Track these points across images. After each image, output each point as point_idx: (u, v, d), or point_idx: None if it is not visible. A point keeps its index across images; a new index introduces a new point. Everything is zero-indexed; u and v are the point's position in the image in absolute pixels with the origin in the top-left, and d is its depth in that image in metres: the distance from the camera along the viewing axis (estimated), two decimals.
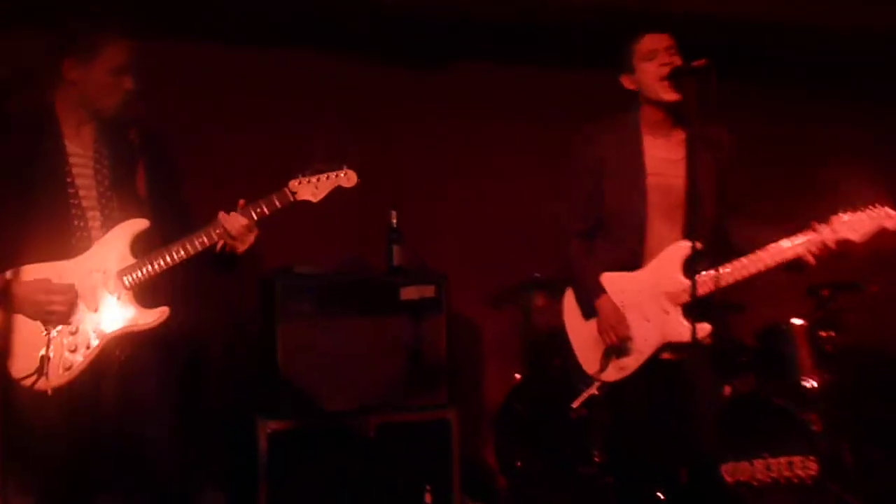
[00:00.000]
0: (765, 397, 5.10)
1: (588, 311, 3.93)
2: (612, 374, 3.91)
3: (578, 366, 3.93)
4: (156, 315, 3.39)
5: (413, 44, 5.99)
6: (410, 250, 5.49)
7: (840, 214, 3.71)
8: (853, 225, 3.67)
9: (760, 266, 3.77)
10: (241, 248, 3.41)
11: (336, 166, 3.50)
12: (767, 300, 5.12)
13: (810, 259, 3.71)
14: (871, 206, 3.67)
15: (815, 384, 5.21)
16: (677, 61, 3.76)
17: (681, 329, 3.82)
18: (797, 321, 5.38)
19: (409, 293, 5.25)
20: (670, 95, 3.77)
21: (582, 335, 3.99)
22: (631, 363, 3.87)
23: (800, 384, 5.21)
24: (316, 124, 5.66)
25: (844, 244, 3.69)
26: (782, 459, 4.89)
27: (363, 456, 5.08)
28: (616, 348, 3.87)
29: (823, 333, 5.31)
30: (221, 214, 3.41)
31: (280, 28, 5.67)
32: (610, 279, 3.96)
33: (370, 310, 5.18)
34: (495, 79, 6.28)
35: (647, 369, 3.84)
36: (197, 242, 3.43)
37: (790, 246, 3.75)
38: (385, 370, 5.17)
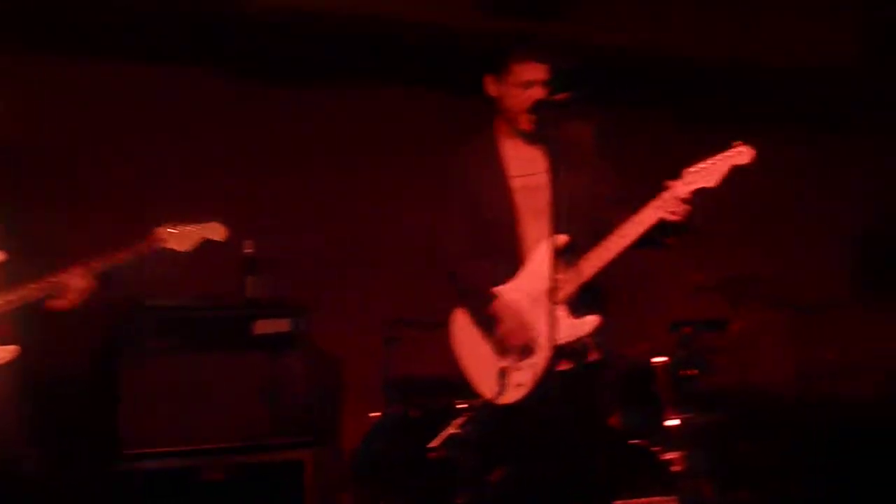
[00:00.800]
0: (625, 436, 5.06)
1: (486, 324, 3.84)
2: (511, 394, 3.82)
3: (453, 401, 4.03)
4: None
5: (281, 61, 5.93)
6: (270, 282, 5.42)
7: (691, 167, 3.68)
8: (705, 173, 3.63)
9: (623, 243, 3.72)
10: (67, 305, 3.45)
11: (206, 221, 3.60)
12: (632, 338, 5.17)
13: (672, 217, 3.66)
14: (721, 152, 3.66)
15: (677, 424, 5.15)
16: (540, 94, 3.79)
17: (569, 327, 3.76)
18: (659, 359, 5.28)
19: (262, 327, 5.16)
20: (528, 126, 3.82)
21: (476, 358, 3.91)
22: (528, 379, 3.79)
23: (661, 424, 5.15)
24: (174, 144, 5.66)
25: (700, 193, 3.67)
26: (643, 500, 4.85)
27: (213, 498, 5.00)
28: (514, 362, 3.79)
29: (686, 372, 5.25)
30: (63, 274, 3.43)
31: (140, 42, 5.65)
32: (498, 292, 3.92)
33: (223, 345, 5.11)
34: (367, 98, 6.25)
35: (543, 391, 3.76)
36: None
37: (646, 213, 3.71)
38: (238, 408, 5.08)
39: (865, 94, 6.80)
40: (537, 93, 3.74)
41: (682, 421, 5.11)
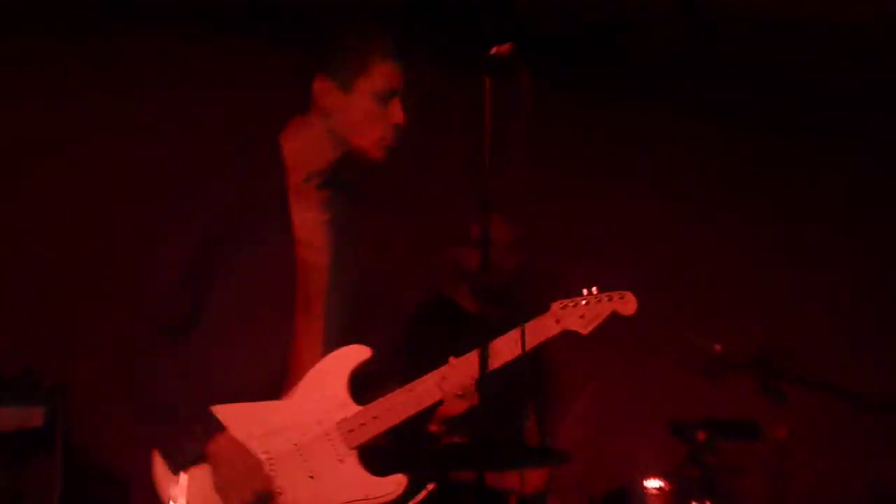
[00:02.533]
0: None
1: (181, 465, 2.97)
2: None
3: None
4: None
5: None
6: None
7: (561, 301, 3.30)
8: (579, 313, 3.25)
9: (394, 419, 3.12)
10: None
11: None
12: (614, 442, 4.64)
13: (451, 407, 3.16)
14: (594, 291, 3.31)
15: None
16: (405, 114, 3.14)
17: (365, 487, 3.12)
18: (654, 483, 4.30)
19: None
20: (380, 155, 3.14)
21: None
22: None
23: None
24: None
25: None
26: None
27: None
28: None
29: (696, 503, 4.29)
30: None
31: None
32: (234, 413, 3.02)
33: None
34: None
35: None
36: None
37: (424, 387, 3.12)
38: None
39: None
40: (399, 110, 3.10)
41: None
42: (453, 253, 4.36)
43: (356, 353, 3.15)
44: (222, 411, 3.01)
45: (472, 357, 3.12)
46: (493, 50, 2.84)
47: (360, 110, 3.06)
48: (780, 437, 4.40)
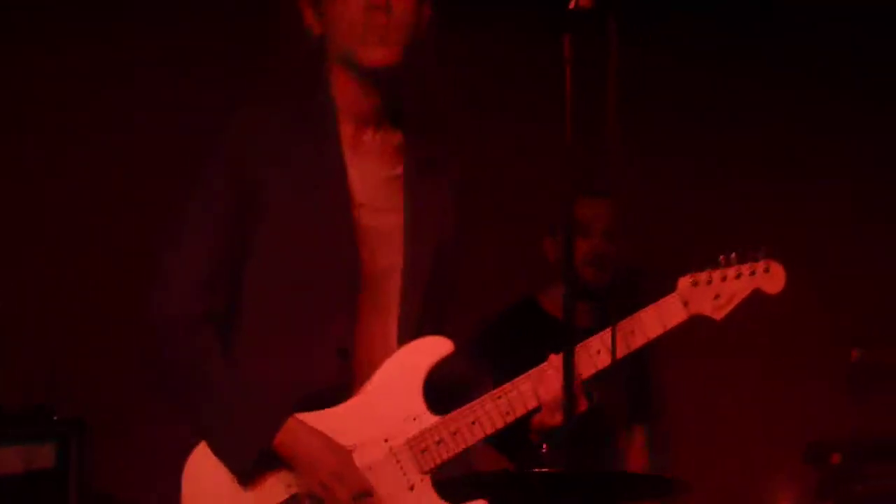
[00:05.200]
0: None
1: (244, 469, 2.61)
2: None
3: None
4: None
5: None
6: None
7: (691, 275, 2.83)
8: (711, 292, 2.81)
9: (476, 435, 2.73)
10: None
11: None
12: (719, 464, 4.32)
13: (546, 420, 2.74)
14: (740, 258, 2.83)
15: None
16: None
17: None
18: None
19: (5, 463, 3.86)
20: (375, 55, 2.66)
21: None
22: None
23: None
24: None
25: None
26: None
27: None
28: None
29: None
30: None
31: None
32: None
33: None
34: None
35: None
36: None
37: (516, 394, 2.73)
38: None
39: None
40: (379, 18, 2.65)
41: None
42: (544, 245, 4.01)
43: (435, 348, 2.74)
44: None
45: (576, 354, 2.76)
46: (572, 4, 2.48)
47: (336, 11, 2.65)
48: None
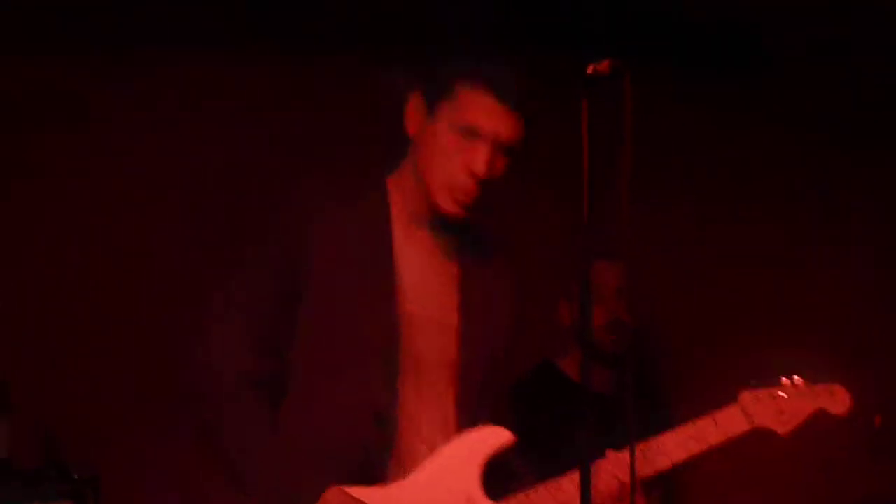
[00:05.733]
0: None
1: None
2: None
3: None
4: None
5: None
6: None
7: (753, 390, 2.83)
8: (774, 407, 2.80)
9: None
10: None
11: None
12: None
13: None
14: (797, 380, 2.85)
15: None
16: (500, 164, 2.66)
17: None
18: None
19: None
20: (451, 208, 2.70)
21: None
22: None
23: None
24: None
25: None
26: None
27: None
28: None
29: None
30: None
31: None
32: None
33: None
34: None
35: None
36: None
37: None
38: None
39: None
40: (482, 155, 2.64)
41: None
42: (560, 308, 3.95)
43: (495, 438, 2.75)
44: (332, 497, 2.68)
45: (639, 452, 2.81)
46: (591, 69, 2.47)
47: (438, 141, 2.66)
48: None
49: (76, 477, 3.83)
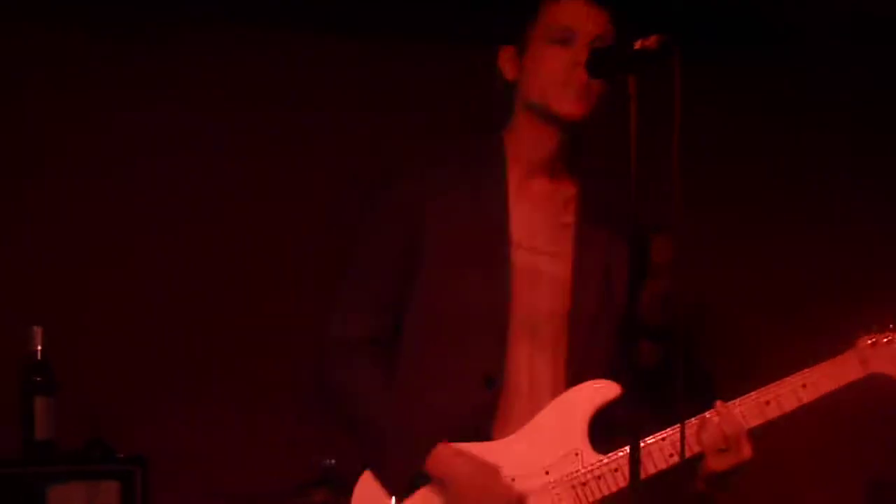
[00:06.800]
0: None
1: (398, 492, 2.73)
2: None
3: None
4: None
5: None
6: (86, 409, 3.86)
7: (872, 335, 2.75)
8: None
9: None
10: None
11: None
12: None
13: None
14: None
15: None
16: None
17: None
18: None
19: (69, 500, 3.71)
20: (572, 108, 2.70)
21: None
22: None
23: None
24: None
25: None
26: None
27: None
28: None
29: None
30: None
31: None
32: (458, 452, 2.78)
33: None
34: None
35: None
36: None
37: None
38: None
39: None
40: (584, 50, 2.65)
41: None
42: None
43: (604, 390, 2.75)
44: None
45: (744, 403, 2.76)
46: (638, 44, 2.48)
47: (539, 59, 2.71)
48: None
49: (121, 456, 3.81)
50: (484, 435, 2.71)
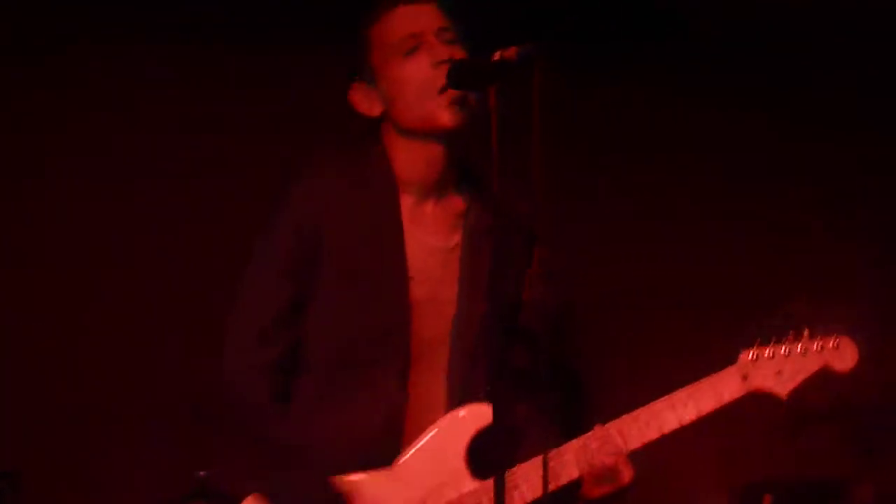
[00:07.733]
0: None
1: None
2: None
3: None
4: None
5: None
6: None
7: (754, 349, 2.75)
8: (774, 367, 2.71)
9: None
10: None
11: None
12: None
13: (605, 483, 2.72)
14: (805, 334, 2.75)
15: None
16: (458, 53, 2.71)
17: None
18: None
19: None
20: (452, 117, 2.70)
21: None
22: None
23: None
24: None
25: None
26: None
27: None
28: None
29: None
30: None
31: None
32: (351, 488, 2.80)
33: None
34: None
35: None
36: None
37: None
38: None
39: None
40: (439, 50, 2.69)
41: None
42: None
43: (479, 415, 2.74)
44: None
45: (623, 425, 2.75)
46: (497, 55, 2.48)
47: (401, 83, 2.67)
48: (866, 499, 4.24)
49: None
50: (389, 458, 2.71)
